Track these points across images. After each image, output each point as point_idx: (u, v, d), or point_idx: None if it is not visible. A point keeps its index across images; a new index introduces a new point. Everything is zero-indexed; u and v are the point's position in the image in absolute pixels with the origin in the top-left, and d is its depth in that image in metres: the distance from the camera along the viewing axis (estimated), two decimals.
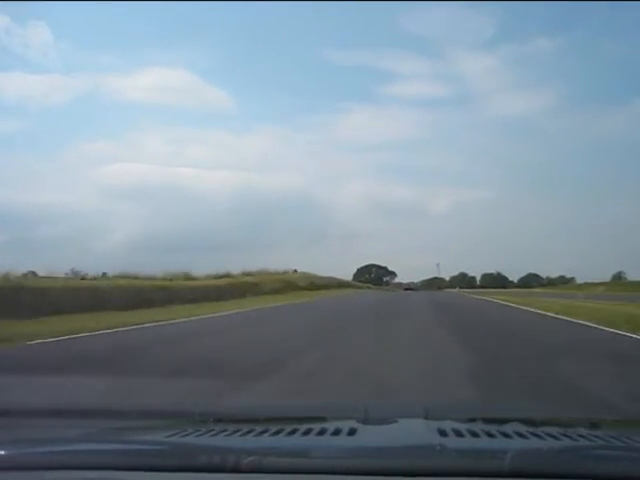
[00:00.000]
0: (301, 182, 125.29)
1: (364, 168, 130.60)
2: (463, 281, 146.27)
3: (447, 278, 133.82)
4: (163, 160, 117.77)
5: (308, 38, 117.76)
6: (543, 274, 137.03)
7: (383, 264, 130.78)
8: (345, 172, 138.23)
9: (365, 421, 1.83)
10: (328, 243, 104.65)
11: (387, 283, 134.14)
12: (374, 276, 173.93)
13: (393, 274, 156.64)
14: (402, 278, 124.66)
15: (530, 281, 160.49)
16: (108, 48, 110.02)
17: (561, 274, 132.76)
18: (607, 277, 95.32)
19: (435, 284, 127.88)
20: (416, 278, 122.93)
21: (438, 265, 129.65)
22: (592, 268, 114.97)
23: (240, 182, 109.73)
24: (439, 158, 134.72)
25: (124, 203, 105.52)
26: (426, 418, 1.84)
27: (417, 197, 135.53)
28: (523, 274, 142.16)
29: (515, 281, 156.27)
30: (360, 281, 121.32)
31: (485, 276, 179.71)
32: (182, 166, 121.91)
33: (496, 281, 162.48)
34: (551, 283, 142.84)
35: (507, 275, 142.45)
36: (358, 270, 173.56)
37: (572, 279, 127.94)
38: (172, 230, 73.24)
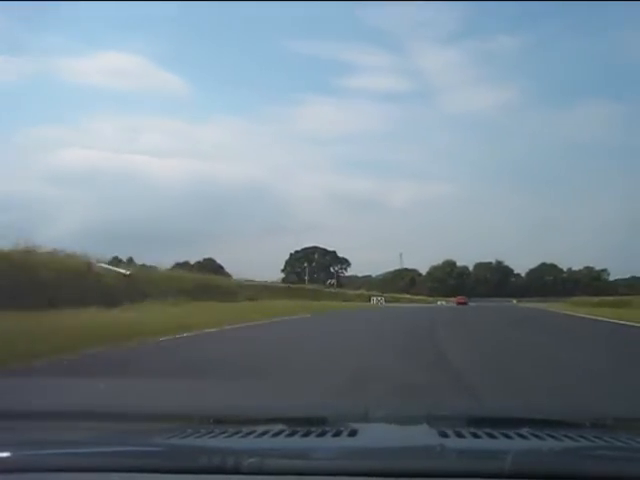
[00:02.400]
0: (257, 173, 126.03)
1: (323, 161, 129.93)
2: (451, 274, 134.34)
3: (422, 271, 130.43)
4: (116, 147, 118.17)
5: (268, 28, 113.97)
6: (561, 264, 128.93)
7: (331, 248, 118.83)
8: (303, 164, 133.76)
9: (366, 422, 1.92)
10: (284, 235, 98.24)
11: (336, 278, 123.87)
12: (316, 266, 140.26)
13: (345, 263, 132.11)
14: (358, 270, 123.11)
15: (544, 274, 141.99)
16: (58, 29, 73.85)
17: (587, 265, 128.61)
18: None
19: (404, 277, 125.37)
20: (376, 271, 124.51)
21: (401, 255, 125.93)
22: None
23: (195, 172, 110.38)
24: (399, 152, 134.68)
25: (74, 189, 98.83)
26: (427, 419, 1.91)
27: (377, 190, 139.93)
28: (533, 264, 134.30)
29: (523, 274, 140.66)
30: (289, 280, 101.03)
31: (480, 266, 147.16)
32: (136, 153, 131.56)
33: (496, 274, 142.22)
34: (574, 277, 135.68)
35: (510, 265, 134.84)
36: (292, 257, 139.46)
37: (604, 271, 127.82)
38: (122, 218, 64.38)
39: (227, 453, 1.45)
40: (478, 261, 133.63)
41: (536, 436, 1.68)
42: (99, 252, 26.53)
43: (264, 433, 1.73)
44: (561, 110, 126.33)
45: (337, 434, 1.70)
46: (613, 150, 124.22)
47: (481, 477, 1.35)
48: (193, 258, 42.96)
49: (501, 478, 1.34)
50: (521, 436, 1.68)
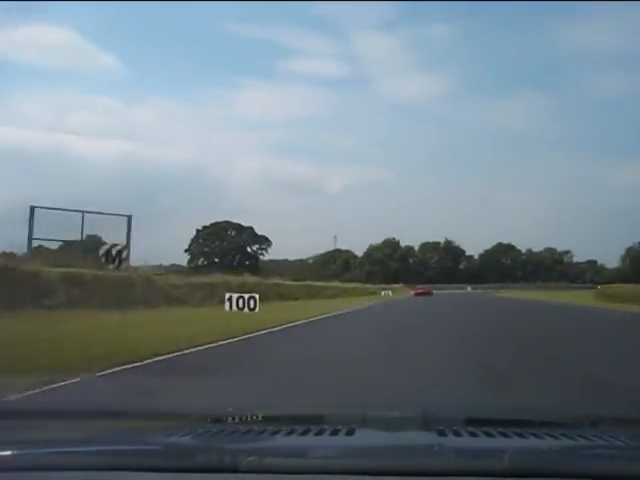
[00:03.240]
0: (193, 156, 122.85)
1: (261, 145, 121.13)
2: (393, 255, 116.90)
3: (358, 253, 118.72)
4: (45, 125, 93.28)
5: (207, 10, 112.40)
6: (519, 245, 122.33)
7: (247, 223, 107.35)
8: (241, 148, 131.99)
9: (363, 421, 1.99)
10: (218, 219, 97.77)
11: (253, 261, 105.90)
12: (229, 245, 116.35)
13: (264, 242, 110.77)
14: (288, 254, 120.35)
15: (501, 256, 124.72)
16: None
17: (548, 246, 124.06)
18: None
19: (337, 259, 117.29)
20: (307, 254, 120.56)
21: (335, 237, 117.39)
22: None
23: (128, 153, 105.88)
24: (338, 137, 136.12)
25: None
26: (424, 418, 2.01)
27: (315, 175, 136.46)
28: (487, 245, 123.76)
29: (476, 256, 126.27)
30: (195, 263, 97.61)
31: (427, 247, 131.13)
32: (66, 133, 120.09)
33: (445, 256, 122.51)
34: (534, 260, 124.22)
35: (461, 246, 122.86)
36: (199, 234, 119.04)
37: (567, 253, 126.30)
38: (48, 200, 53.34)
39: (225, 452, 1.52)
40: (425, 240, 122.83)
41: (534, 435, 1.75)
42: (21, 235, 23.42)
43: (262, 432, 1.79)
44: (494, 97, 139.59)
45: (335, 433, 1.74)
46: (546, 139, 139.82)
47: (479, 476, 1.40)
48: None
49: (499, 477, 1.39)
50: (519, 435, 1.74)
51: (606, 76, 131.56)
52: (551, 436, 1.74)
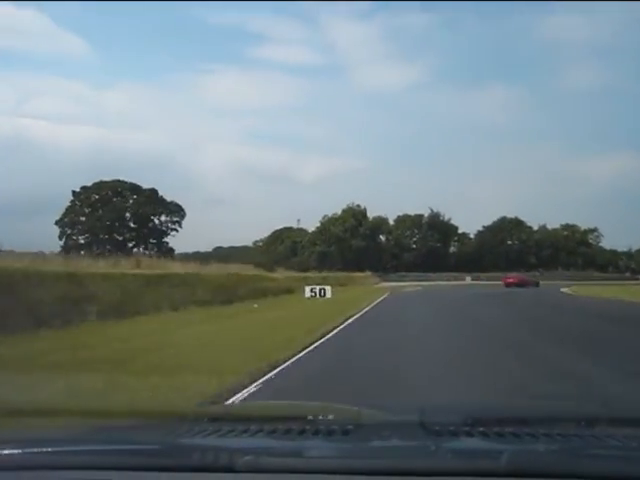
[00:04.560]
0: (163, 143, 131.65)
1: (232, 133, 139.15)
2: (357, 230, 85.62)
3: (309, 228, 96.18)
4: (7, 109, 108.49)
5: None
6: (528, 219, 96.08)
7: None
8: (212, 135, 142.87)
9: (359, 421, 2.11)
10: (188, 207, 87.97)
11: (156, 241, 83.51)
12: (123, 217, 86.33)
13: (176, 213, 79.68)
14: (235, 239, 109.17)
15: (505, 235, 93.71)
16: None
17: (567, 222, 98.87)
18: None
19: (285, 241, 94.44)
20: (258, 235, 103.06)
21: (299, 221, 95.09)
22: None
23: (95, 139, 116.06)
24: (310, 126, 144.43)
25: None
26: (421, 419, 2.08)
27: (287, 164, 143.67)
28: (487, 221, 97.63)
29: (471, 235, 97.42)
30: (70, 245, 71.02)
31: (406, 221, 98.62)
32: (28, 117, 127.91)
33: (430, 233, 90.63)
34: (550, 239, 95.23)
35: (451, 218, 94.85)
36: (75, 201, 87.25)
37: (592, 232, 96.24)
38: (8, 189, 46.77)
39: (221, 451, 1.63)
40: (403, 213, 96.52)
41: (530, 435, 1.89)
42: None
43: (258, 431, 1.91)
44: (469, 88, 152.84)
45: (331, 433, 1.86)
46: (523, 130, 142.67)
47: (476, 476, 1.51)
48: None
49: (495, 477, 1.50)
50: (516, 435, 1.88)
51: (581, 69, 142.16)
52: (548, 437, 1.88)
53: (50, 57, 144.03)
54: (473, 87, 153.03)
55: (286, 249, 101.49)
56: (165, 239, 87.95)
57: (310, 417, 2.23)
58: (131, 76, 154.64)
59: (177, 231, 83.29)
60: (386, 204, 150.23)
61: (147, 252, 76.24)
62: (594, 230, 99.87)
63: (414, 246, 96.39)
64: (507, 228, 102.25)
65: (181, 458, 1.57)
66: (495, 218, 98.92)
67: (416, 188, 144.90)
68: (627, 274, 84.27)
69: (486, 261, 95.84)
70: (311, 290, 38.31)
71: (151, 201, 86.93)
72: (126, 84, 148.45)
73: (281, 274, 55.75)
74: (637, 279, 65.57)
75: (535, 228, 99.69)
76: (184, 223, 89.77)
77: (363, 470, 1.47)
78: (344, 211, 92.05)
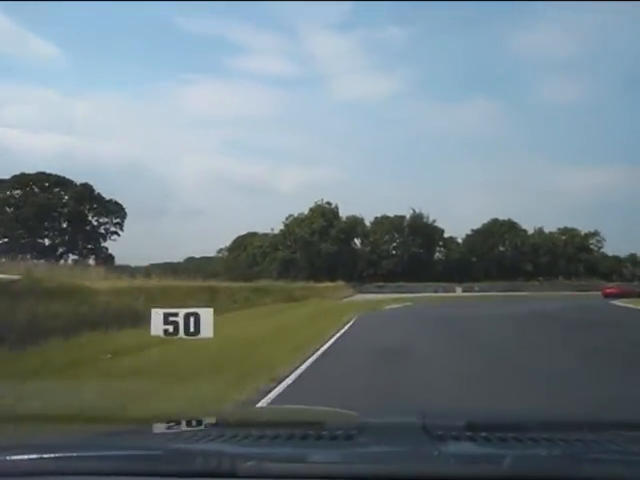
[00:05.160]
0: (137, 153, 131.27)
1: (209, 143, 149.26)
2: (328, 232, 76.03)
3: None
4: None
5: (154, 1, 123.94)
6: (522, 222, 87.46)
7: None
8: (188, 146, 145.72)
9: (362, 427, 2.15)
10: (164, 218, 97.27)
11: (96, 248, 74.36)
12: (46, 214, 76.43)
13: (117, 213, 70.23)
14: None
15: (497, 239, 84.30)
16: None
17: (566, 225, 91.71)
18: None
19: (247, 246, 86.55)
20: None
21: (272, 229, 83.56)
22: None
23: (67, 148, 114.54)
24: (289, 137, 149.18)
25: None
26: (423, 424, 2.15)
27: (265, 175, 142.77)
28: (476, 224, 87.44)
29: (459, 239, 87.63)
30: None
31: (383, 222, 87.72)
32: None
33: (412, 237, 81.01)
34: (548, 244, 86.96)
35: (436, 220, 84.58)
36: None
37: (593, 236, 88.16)
38: None
39: (224, 456, 1.69)
40: (381, 214, 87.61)
41: (532, 440, 1.96)
42: None
43: (261, 437, 1.98)
44: (447, 100, 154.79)
45: (333, 438, 1.93)
46: (499, 142, 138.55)
47: None
48: None
49: None
50: (518, 440, 1.95)
51: (558, 83, 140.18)
52: (550, 441, 1.96)
53: (18, 63, 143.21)
54: (454, 98, 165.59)
55: (248, 257, 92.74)
56: (104, 244, 76.31)
57: (313, 422, 2.30)
58: (105, 85, 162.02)
59: (118, 235, 73.59)
60: (362, 204, 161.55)
61: (80, 259, 64.95)
62: (595, 234, 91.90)
63: (394, 252, 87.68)
64: (499, 232, 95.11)
65: (184, 464, 1.60)
66: (485, 220, 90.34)
67: (397, 190, 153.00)
68: (635, 283, 76.92)
69: (476, 269, 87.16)
70: (167, 320, 16.95)
71: (83, 198, 74.13)
72: (99, 92, 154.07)
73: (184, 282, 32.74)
74: None
75: (530, 232, 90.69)
76: (160, 232, 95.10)
77: (366, 475, 1.50)
78: (312, 210, 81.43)
